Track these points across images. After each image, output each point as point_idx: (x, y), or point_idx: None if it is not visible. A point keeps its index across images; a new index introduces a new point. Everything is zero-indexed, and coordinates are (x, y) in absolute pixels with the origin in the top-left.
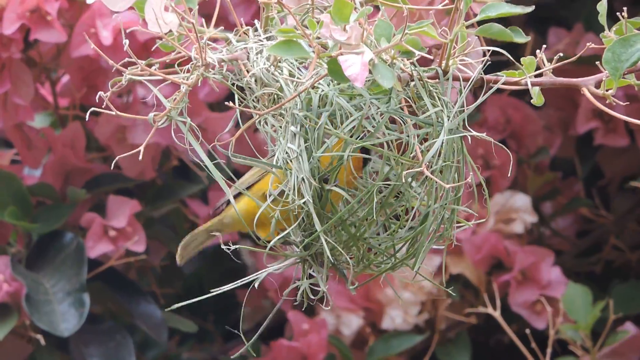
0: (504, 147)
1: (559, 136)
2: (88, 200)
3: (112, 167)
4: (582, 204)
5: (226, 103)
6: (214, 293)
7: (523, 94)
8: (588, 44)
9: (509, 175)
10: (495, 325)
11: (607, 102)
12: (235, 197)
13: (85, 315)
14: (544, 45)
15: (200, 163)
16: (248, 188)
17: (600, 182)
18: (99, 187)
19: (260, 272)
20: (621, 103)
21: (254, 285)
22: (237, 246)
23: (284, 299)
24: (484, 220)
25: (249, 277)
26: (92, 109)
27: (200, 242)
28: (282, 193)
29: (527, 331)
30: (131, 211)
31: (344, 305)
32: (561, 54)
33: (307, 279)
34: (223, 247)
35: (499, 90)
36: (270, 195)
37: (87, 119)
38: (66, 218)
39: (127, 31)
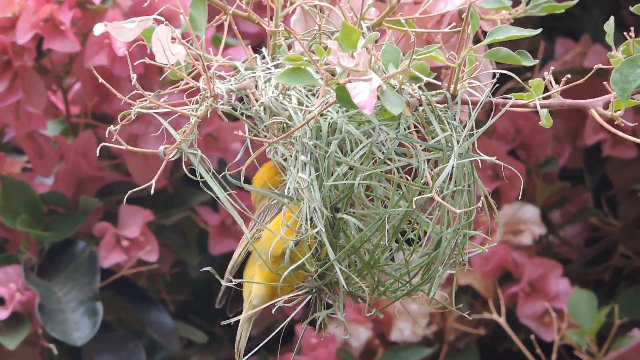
0: (513, 166)
1: (568, 146)
2: (100, 208)
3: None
4: (591, 213)
5: (235, 133)
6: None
7: None
8: (596, 66)
9: (519, 187)
10: (503, 335)
11: (615, 122)
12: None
13: (98, 324)
14: (552, 68)
15: (213, 196)
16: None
17: (608, 192)
18: (111, 196)
19: (277, 299)
20: (630, 124)
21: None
22: (249, 280)
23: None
24: (496, 244)
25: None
26: (102, 144)
27: (247, 331)
28: (295, 223)
29: (532, 337)
30: (144, 220)
31: (352, 318)
32: (569, 76)
33: (324, 308)
34: (234, 280)
35: None
36: (283, 226)
37: (98, 127)
38: (78, 227)
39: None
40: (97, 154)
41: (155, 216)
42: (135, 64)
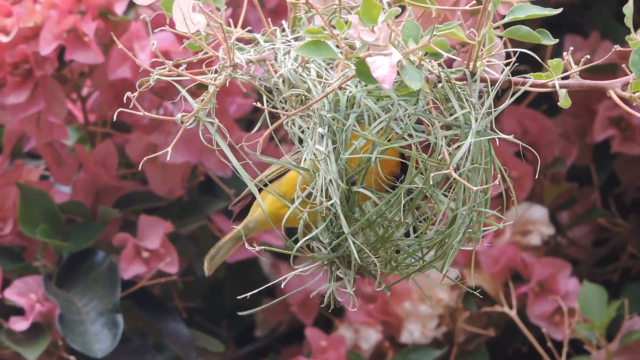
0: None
1: (576, 144)
2: (118, 218)
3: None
4: (599, 214)
5: (254, 104)
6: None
7: (539, 104)
8: (615, 46)
9: (530, 182)
10: (513, 336)
11: (634, 104)
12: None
13: (119, 336)
14: (571, 48)
15: (227, 164)
16: (270, 182)
17: (616, 190)
18: (130, 206)
19: (286, 275)
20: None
21: (275, 300)
22: (262, 247)
23: (289, 294)
24: (511, 222)
25: (275, 281)
26: (120, 109)
27: (226, 251)
28: (309, 195)
29: (544, 330)
30: (164, 232)
31: (362, 320)
32: (588, 56)
33: (334, 281)
34: (247, 247)
35: (516, 100)
36: (298, 197)
37: (117, 136)
38: (97, 237)
39: (167, 57)
40: (117, 164)
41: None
42: (155, 31)
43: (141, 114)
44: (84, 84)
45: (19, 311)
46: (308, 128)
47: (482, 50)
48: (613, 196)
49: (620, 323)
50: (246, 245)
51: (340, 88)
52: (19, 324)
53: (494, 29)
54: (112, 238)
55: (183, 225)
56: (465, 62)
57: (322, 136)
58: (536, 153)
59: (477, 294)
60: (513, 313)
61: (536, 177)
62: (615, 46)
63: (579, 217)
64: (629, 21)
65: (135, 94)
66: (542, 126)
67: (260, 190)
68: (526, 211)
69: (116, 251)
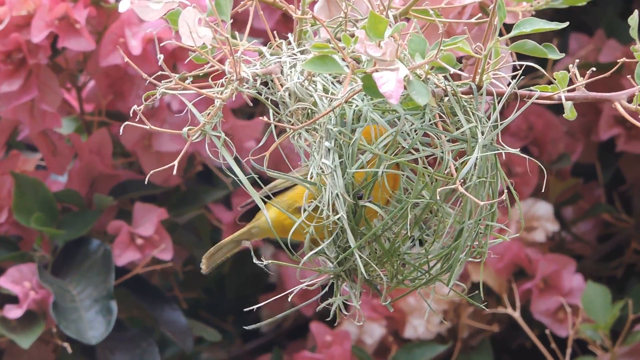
0: (535, 160)
1: (581, 142)
2: (113, 206)
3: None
4: (603, 210)
5: (260, 118)
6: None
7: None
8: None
9: (535, 178)
10: (517, 332)
11: (639, 116)
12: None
13: (112, 322)
14: (577, 61)
15: (234, 177)
16: (277, 194)
17: (621, 187)
18: (125, 194)
19: (294, 288)
20: None
21: (276, 291)
22: (270, 261)
23: (304, 304)
24: (518, 235)
25: (284, 293)
26: (126, 123)
27: (226, 252)
28: (315, 208)
29: (547, 331)
30: (158, 219)
31: (366, 315)
32: (594, 69)
33: (340, 295)
34: (256, 261)
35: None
36: (304, 211)
37: (112, 125)
38: (92, 225)
39: (159, 44)
40: (111, 152)
41: (168, 214)
42: (162, 44)
43: (147, 127)
44: (79, 73)
45: (13, 299)
46: (314, 142)
47: (488, 63)
48: (618, 192)
49: (625, 323)
50: (254, 259)
51: (346, 102)
52: (13, 312)
53: (500, 42)
54: (107, 226)
55: (181, 214)
56: (471, 75)
57: (329, 150)
58: (539, 163)
59: (474, 302)
60: (517, 314)
61: (545, 180)
62: (622, 58)
63: (583, 212)
64: (634, 32)
65: (142, 107)
66: (548, 122)
67: (265, 202)
68: (531, 207)
69: (111, 239)
